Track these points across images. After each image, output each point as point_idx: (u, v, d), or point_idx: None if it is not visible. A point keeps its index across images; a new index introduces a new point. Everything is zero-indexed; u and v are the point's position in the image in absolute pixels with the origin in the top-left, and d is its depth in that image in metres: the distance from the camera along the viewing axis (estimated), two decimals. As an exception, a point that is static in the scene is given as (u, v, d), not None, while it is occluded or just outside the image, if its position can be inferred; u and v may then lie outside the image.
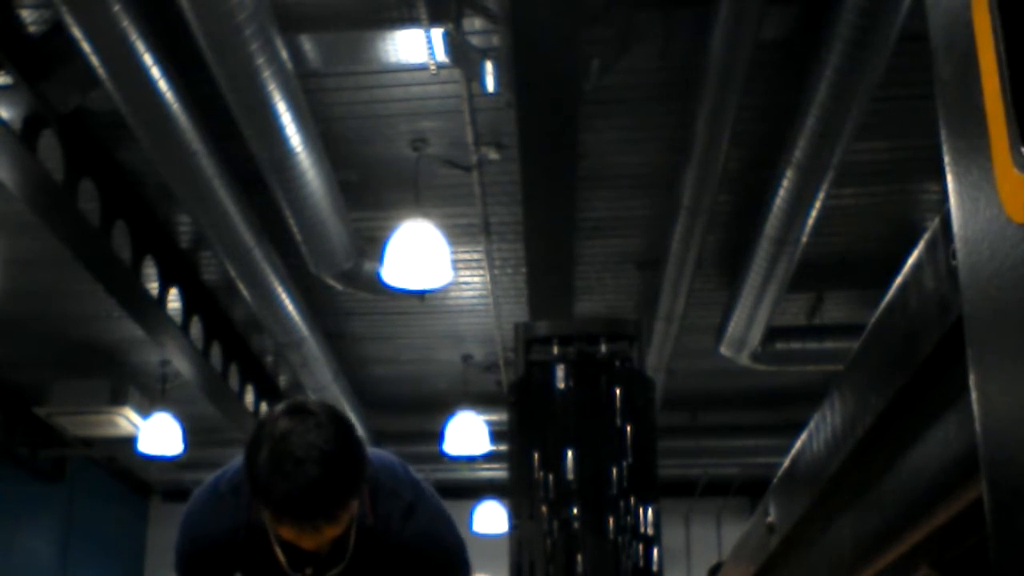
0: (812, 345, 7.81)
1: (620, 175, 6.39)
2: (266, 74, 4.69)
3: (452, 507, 2.39)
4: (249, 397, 8.76)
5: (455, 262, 6.67)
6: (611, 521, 5.24)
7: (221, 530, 2.16)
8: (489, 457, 9.29)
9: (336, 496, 1.95)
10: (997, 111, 0.89)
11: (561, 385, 5.41)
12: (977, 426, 0.95)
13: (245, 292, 6.72)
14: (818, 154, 5.28)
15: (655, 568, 5.32)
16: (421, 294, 6.51)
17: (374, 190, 6.43)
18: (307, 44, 5.13)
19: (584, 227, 6.72)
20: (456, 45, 4.93)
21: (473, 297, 7.91)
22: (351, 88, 5.59)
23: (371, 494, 2.16)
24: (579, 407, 5.39)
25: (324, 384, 8.26)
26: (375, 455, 2.24)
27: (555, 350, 5.53)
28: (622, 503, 5.25)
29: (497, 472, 9.95)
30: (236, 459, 2.17)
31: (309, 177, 5.49)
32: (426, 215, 5.99)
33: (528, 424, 5.50)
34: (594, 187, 6.37)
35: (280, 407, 2.03)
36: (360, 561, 2.15)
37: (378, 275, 6.31)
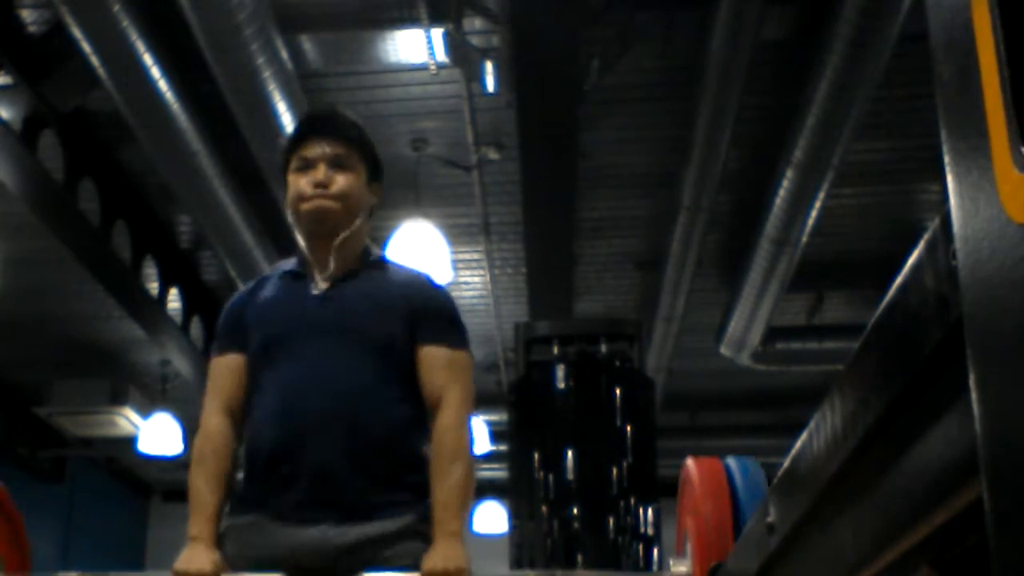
0: (812, 345, 7.81)
1: (620, 175, 6.40)
2: (266, 74, 4.70)
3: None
4: (249, 397, 8.75)
5: (455, 262, 6.67)
6: (611, 521, 5.24)
7: (259, 284, 2.41)
8: (489, 457, 9.29)
9: (349, 120, 2.40)
10: (997, 111, 0.89)
11: (561, 385, 5.42)
12: (977, 426, 0.95)
13: (245, 292, 6.72)
14: (818, 154, 5.28)
15: (655, 568, 5.32)
16: (421, 294, 6.50)
17: (374, 190, 6.42)
18: (307, 44, 5.13)
19: (584, 227, 6.72)
20: (456, 45, 4.93)
21: (473, 297, 7.91)
22: (351, 88, 5.59)
23: (385, 258, 2.46)
24: (579, 407, 5.39)
25: (324, 384, 8.26)
26: None
27: (555, 350, 5.53)
28: (622, 503, 5.25)
29: (497, 472, 9.95)
30: None
31: (309, 177, 5.49)
32: (426, 215, 5.99)
33: (528, 424, 5.50)
34: (594, 187, 6.37)
35: None
36: (367, 282, 2.34)
37: (378, 275, 6.30)
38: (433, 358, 2.28)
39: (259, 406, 2.26)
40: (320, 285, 2.31)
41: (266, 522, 2.19)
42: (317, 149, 2.31)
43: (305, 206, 2.30)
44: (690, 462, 2.93)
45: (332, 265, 2.31)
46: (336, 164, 2.31)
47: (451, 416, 2.24)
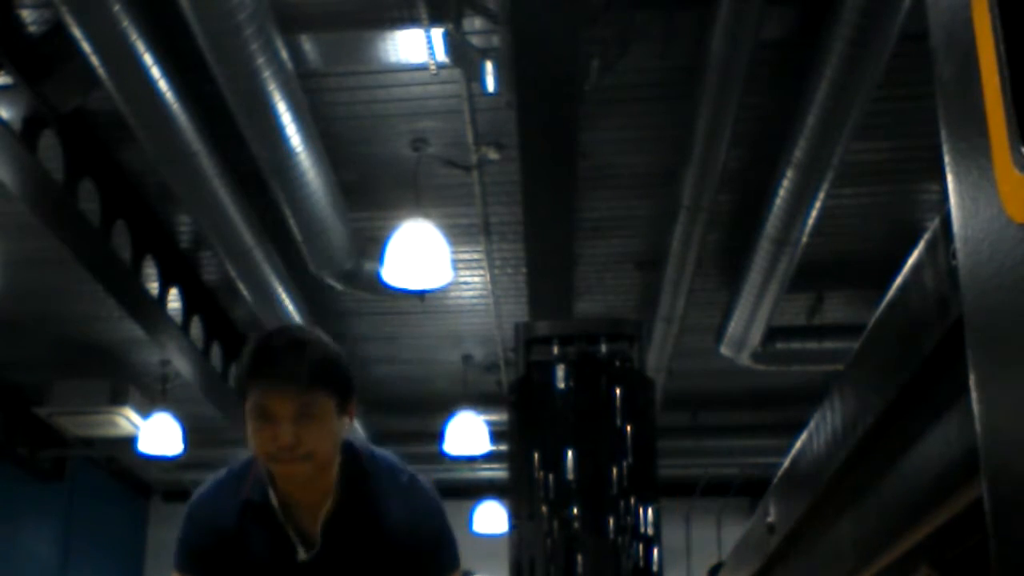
0: (812, 345, 7.81)
1: (620, 175, 6.39)
2: (266, 74, 4.69)
3: (452, 507, 2.40)
4: (249, 397, 8.75)
5: (455, 262, 6.67)
6: (611, 521, 5.23)
7: (222, 512, 2.21)
8: (489, 457, 9.29)
9: (313, 361, 2.07)
10: (997, 111, 0.89)
11: (561, 385, 5.41)
12: (977, 426, 0.95)
13: (245, 292, 6.72)
14: (818, 154, 5.28)
15: (655, 568, 5.31)
16: (421, 294, 6.51)
17: (374, 190, 6.43)
18: (307, 44, 5.13)
19: (584, 227, 6.72)
20: (456, 45, 4.93)
21: (473, 297, 7.91)
22: (351, 88, 5.59)
23: (367, 473, 2.22)
24: (579, 407, 5.39)
25: (324, 384, 8.25)
26: (376, 450, 2.30)
27: (555, 350, 5.52)
28: (622, 503, 5.25)
29: (497, 472, 9.95)
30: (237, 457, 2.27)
31: (309, 177, 5.49)
32: (426, 215, 5.99)
33: (528, 424, 5.50)
34: (594, 187, 6.37)
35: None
36: (352, 541, 2.18)
37: (378, 275, 6.31)
38: None
39: None
40: (304, 550, 2.19)
41: None
42: (278, 404, 2.04)
43: (273, 467, 2.12)
44: None
45: (313, 528, 2.18)
46: (300, 415, 2.05)
47: None
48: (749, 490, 11.30)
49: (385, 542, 2.18)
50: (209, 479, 2.30)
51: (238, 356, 2.13)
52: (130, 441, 9.06)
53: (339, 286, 6.71)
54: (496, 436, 8.72)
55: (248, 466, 2.23)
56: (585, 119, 5.46)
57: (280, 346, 2.08)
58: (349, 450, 2.22)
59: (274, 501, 2.17)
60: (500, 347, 8.51)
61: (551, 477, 5.29)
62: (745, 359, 7.71)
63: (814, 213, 5.82)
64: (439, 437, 9.09)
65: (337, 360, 2.14)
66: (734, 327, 7.34)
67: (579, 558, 5.21)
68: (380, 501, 2.20)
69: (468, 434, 8.97)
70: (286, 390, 2.03)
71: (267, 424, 2.05)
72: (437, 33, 4.96)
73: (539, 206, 5.76)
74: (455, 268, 6.63)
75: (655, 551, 5.32)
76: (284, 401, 2.03)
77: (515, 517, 5.45)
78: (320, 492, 2.16)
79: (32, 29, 5.07)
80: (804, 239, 6.09)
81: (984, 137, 0.92)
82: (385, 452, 2.32)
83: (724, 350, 7.68)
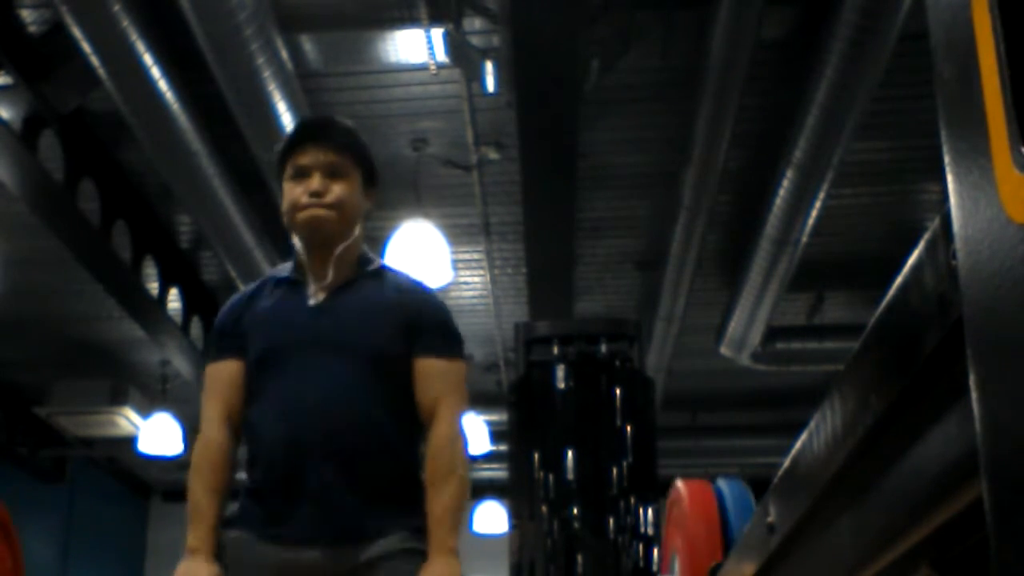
0: (812, 345, 7.81)
1: (620, 175, 6.40)
2: (266, 74, 4.70)
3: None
4: (249, 397, 8.76)
5: (455, 262, 6.67)
6: (611, 521, 5.23)
7: (251, 290, 2.43)
8: (489, 457, 9.29)
9: (343, 126, 2.39)
10: (997, 111, 0.89)
11: (561, 385, 5.41)
12: (977, 426, 0.95)
13: (245, 292, 6.71)
14: (818, 154, 5.28)
15: (655, 568, 5.31)
16: (421, 294, 6.50)
17: (374, 190, 6.42)
18: (307, 44, 5.13)
19: (584, 227, 6.72)
20: (456, 45, 4.93)
21: (473, 297, 7.91)
22: (351, 88, 5.59)
23: (383, 266, 2.45)
24: (579, 407, 5.39)
25: (324, 384, 8.26)
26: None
27: (555, 350, 5.52)
28: (622, 503, 5.25)
29: (497, 472, 9.95)
30: None
31: (309, 177, 5.49)
32: (426, 215, 5.99)
33: (528, 424, 5.50)
34: (594, 187, 6.37)
35: None
36: (363, 294, 2.34)
37: (378, 275, 6.30)
38: (427, 370, 2.30)
39: (256, 420, 2.27)
40: (316, 296, 2.32)
41: (263, 541, 2.19)
42: (311, 157, 2.30)
43: (301, 216, 2.30)
44: (680, 484, 2.94)
45: (329, 276, 2.32)
46: (331, 172, 2.30)
47: (445, 429, 2.27)
48: (749, 490, 11.30)
49: (395, 304, 2.33)
50: None
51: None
52: (130, 441, 9.06)
53: (339, 286, 6.70)
54: (496, 436, 8.72)
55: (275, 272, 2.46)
56: (585, 119, 5.46)
57: (314, 120, 2.61)
58: (369, 254, 2.44)
59: (301, 257, 2.35)
60: (500, 347, 8.51)
61: (551, 477, 5.29)
62: (745, 359, 7.72)
63: (814, 213, 5.82)
64: (439, 437, 9.08)
65: (365, 144, 2.42)
66: (734, 327, 7.34)
67: (579, 558, 5.21)
68: (393, 277, 2.41)
69: (468, 434, 8.96)
70: (319, 145, 2.31)
71: (301, 181, 2.31)
72: (437, 33, 4.96)
73: (539, 206, 5.76)
74: (455, 268, 6.63)
75: (655, 551, 5.32)
76: (317, 155, 2.30)
77: (515, 517, 5.45)
78: (338, 252, 2.32)
79: (32, 29, 5.07)
80: (804, 239, 6.09)
81: (984, 137, 0.92)
82: None
83: (724, 350, 7.68)
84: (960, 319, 1.04)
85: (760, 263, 6.40)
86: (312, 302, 2.31)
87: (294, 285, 2.36)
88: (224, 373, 2.32)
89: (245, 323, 2.34)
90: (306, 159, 2.30)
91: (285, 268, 2.42)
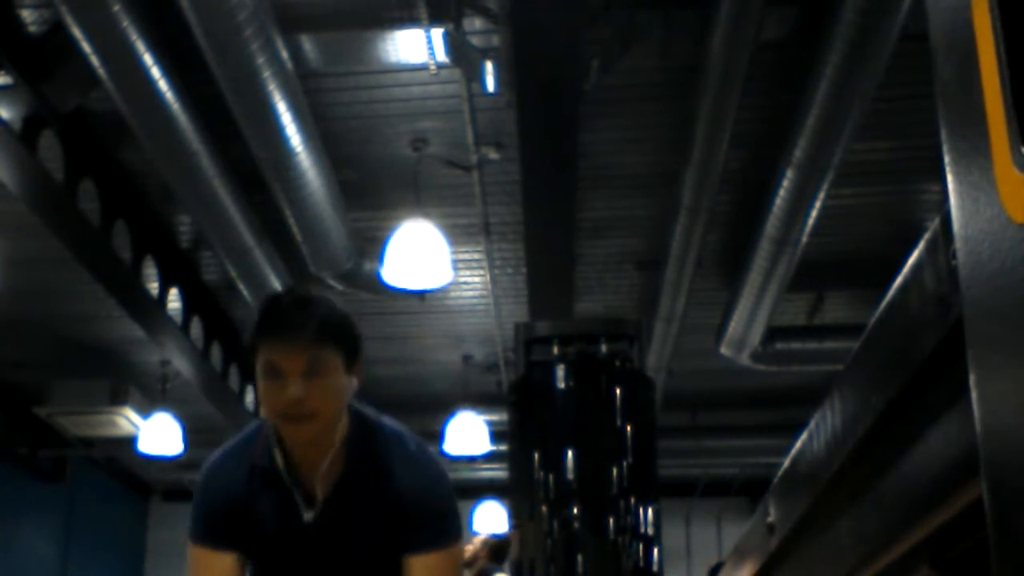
0: (812, 345, 7.81)
1: (620, 175, 6.39)
2: (266, 74, 4.69)
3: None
4: (249, 397, 8.76)
5: (455, 262, 6.67)
6: (611, 521, 5.23)
7: (232, 478, 2.26)
8: (489, 457, 9.29)
9: (320, 317, 2.12)
10: (997, 111, 0.89)
11: (561, 385, 5.41)
12: (977, 426, 0.95)
13: (245, 292, 6.72)
14: (818, 154, 5.28)
15: (655, 568, 5.31)
16: (421, 294, 6.51)
17: (374, 190, 6.43)
18: (307, 44, 5.12)
19: (584, 227, 6.72)
20: (456, 45, 4.93)
21: (473, 297, 7.91)
22: (351, 88, 5.59)
23: (375, 439, 2.26)
24: (579, 407, 5.39)
25: (324, 384, 8.25)
26: (385, 418, 2.34)
27: (555, 350, 5.52)
28: (622, 503, 5.25)
29: (497, 472, 9.95)
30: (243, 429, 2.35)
31: (309, 177, 5.49)
32: (426, 215, 5.99)
33: (528, 424, 5.50)
34: (594, 187, 6.37)
35: None
36: (357, 504, 2.22)
37: (378, 275, 6.30)
38: (419, 570, 2.25)
39: None
40: (308, 511, 2.23)
41: None
42: (286, 360, 2.08)
43: (281, 427, 2.17)
44: None
45: (318, 476, 2.21)
46: (309, 371, 2.10)
47: None
48: (749, 490, 11.30)
49: (390, 506, 2.22)
50: (220, 447, 2.35)
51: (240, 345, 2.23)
52: (130, 441, 9.06)
53: (339, 286, 6.70)
54: (496, 436, 8.72)
55: (257, 432, 2.28)
56: (585, 119, 5.46)
57: (288, 304, 2.14)
58: (358, 416, 2.26)
59: (280, 463, 2.20)
60: (500, 347, 8.51)
61: (551, 477, 5.29)
62: (745, 359, 7.72)
63: (814, 213, 5.82)
64: (439, 437, 9.09)
65: (344, 318, 2.19)
66: (734, 327, 7.34)
67: (579, 558, 5.21)
68: (386, 466, 2.23)
69: (468, 434, 8.97)
70: (294, 345, 2.09)
71: (276, 381, 2.10)
72: (437, 33, 4.96)
73: (539, 206, 5.76)
74: (455, 268, 6.62)
75: (655, 551, 5.32)
76: (292, 356, 2.08)
77: (515, 517, 5.45)
78: (324, 452, 2.18)
79: (32, 29, 5.07)
80: (804, 239, 6.09)
81: (984, 137, 0.92)
82: (394, 421, 2.35)
83: (724, 350, 7.68)
84: (960, 319, 1.04)
85: (760, 263, 6.40)
86: (307, 517, 2.23)
87: (282, 487, 2.23)
88: (217, 569, 2.27)
89: (241, 523, 2.25)
90: (280, 360, 2.09)
91: (264, 453, 2.24)
